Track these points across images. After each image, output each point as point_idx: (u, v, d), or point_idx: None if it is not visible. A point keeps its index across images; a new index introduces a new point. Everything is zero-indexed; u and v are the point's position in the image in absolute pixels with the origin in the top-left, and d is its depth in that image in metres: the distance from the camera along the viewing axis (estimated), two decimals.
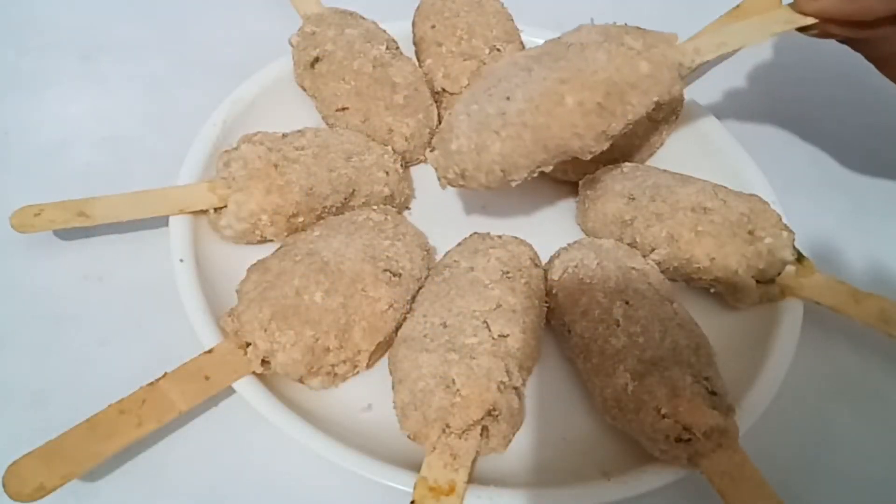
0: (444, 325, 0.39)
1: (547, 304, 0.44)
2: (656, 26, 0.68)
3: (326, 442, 0.37)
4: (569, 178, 0.53)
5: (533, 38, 0.58)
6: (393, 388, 0.39)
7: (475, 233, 0.48)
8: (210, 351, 0.39)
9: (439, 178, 0.46)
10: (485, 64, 0.52)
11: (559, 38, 0.46)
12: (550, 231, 0.52)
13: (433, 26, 0.54)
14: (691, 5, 0.67)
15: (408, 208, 0.53)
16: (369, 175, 0.48)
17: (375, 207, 0.48)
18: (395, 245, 0.44)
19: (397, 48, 0.54)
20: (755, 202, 0.46)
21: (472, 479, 0.36)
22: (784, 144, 0.60)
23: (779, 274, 0.45)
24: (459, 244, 0.47)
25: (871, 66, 0.51)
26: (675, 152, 0.56)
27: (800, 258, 0.46)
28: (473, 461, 0.36)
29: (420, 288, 0.44)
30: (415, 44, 0.57)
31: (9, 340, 0.44)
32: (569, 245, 0.47)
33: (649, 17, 0.71)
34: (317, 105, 0.53)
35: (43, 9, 0.65)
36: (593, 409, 0.41)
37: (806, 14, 0.46)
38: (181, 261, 0.43)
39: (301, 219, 0.46)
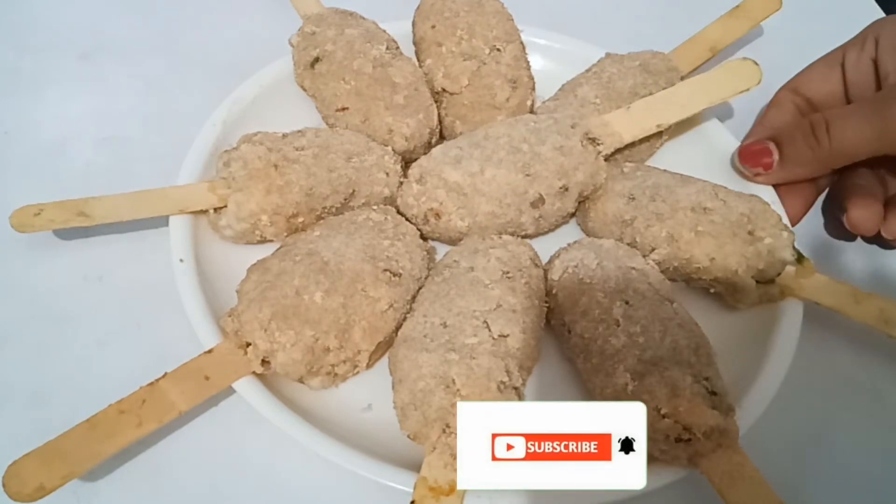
0: (444, 325, 0.39)
1: (547, 304, 0.44)
2: (656, 26, 0.69)
3: (326, 442, 0.37)
4: None
5: (533, 38, 0.58)
6: (393, 388, 0.39)
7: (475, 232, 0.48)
8: (210, 351, 0.39)
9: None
10: (485, 64, 0.52)
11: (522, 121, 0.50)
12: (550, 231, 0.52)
13: (433, 26, 0.54)
14: (691, 5, 0.67)
15: None
16: (369, 176, 0.48)
17: (375, 207, 0.48)
18: (395, 245, 0.44)
19: (397, 48, 0.54)
20: (755, 202, 0.47)
21: None
22: None
23: (779, 274, 0.45)
24: (459, 244, 0.47)
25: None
26: (675, 152, 0.56)
27: (800, 258, 0.46)
28: None
29: (420, 288, 0.44)
30: (415, 44, 0.56)
31: (9, 340, 0.44)
32: (569, 245, 0.47)
33: (649, 17, 0.71)
34: (317, 105, 0.53)
35: (43, 9, 0.65)
36: None
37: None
38: (181, 261, 0.43)
39: (301, 219, 0.46)
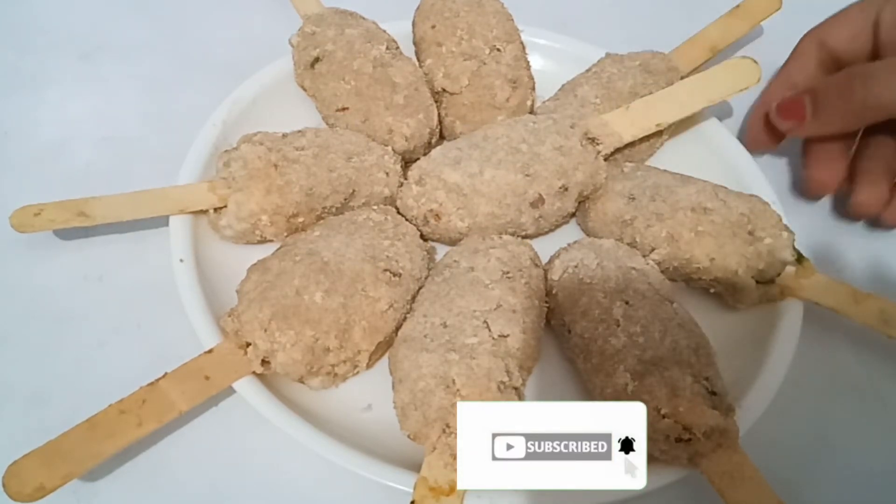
0: (445, 325, 0.39)
1: (547, 304, 0.44)
2: (656, 26, 0.69)
3: (326, 442, 0.37)
4: None
5: (533, 38, 0.58)
6: (393, 388, 0.39)
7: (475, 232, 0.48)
8: (210, 351, 0.39)
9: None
10: (485, 64, 0.52)
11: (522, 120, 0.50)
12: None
13: (433, 26, 0.54)
14: (691, 5, 0.67)
15: None
16: (369, 175, 0.48)
17: (375, 207, 0.48)
18: (395, 245, 0.44)
19: (397, 48, 0.54)
20: (755, 202, 0.47)
21: None
22: (784, 144, 0.60)
23: (778, 274, 0.45)
24: (459, 244, 0.47)
25: None
26: (675, 152, 0.56)
27: (799, 259, 0.46)
28: None
29: (420, 288, 0.44)
30: (415, 44, 0.56)
31: (9, 340, 0.44)
32: (569, 245, 0.47)
33: (649, 18, 0.71)
34: (317, 105, 0.53)
35: (43, 9, 0.65)
36: None
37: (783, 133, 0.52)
38: (181, 261, 0.43)
39: (301, 219, 0.46)
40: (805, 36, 0.53)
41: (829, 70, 0.53)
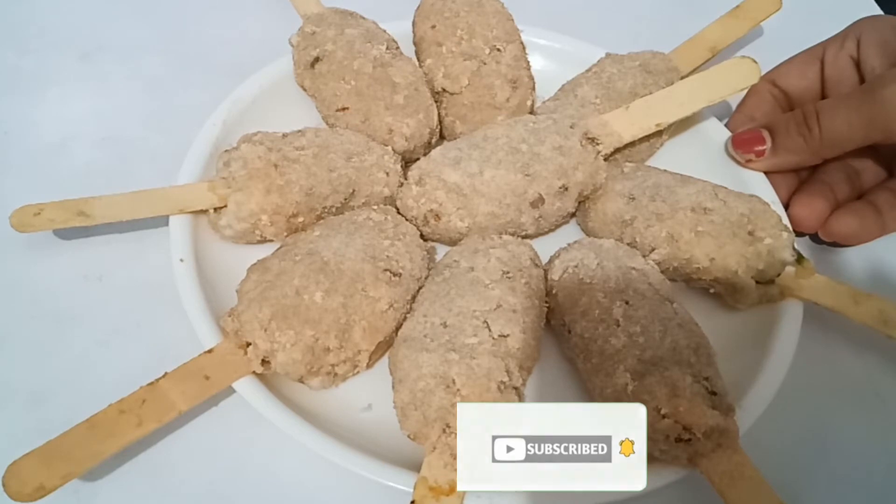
0: (445, 325, 0.39)
1: (547, 304, 0.44)
2: (656, 26, 0.69)
3: (326, 442, 0.37)
4: None
5: (533, 38, 0.58)
6: (393, 388, 0.39)
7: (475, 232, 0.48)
8: (210, 351, 0.39)
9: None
10: (485, 64, 0.52)
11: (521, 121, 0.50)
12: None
13: (433, 26, 0.54)
14: (691, 5, 0.67)
15: None
16: (369, 175, 0.48)
17: (375, 207, 0.48)
18: (395, 245, 0.44)
19: (397, 48, 0.54)
20: (755, 203, 0.47)
21: None
22: None
23: (778, 275, 0.45)
24: (459, 244, 0.47)
25: None
26: (676, 152, 0.56)
27: (799, 259, 0.46)
28: None
29: (420, 288, 0.44)
30: (415, 44, 0.56)
31: (9, 340, 0.44)
32: (569, 245, 0.47)
33: (649, 18, 0.71)
34: (317, 105, 0.53)
35: (43, 9, 0.65)
36: None
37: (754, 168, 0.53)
38: (181, 261, 0.43)
39: (301, 219, 0.46)
40: (760, 79, 0.55)
41: (783, 108, 0.56)
